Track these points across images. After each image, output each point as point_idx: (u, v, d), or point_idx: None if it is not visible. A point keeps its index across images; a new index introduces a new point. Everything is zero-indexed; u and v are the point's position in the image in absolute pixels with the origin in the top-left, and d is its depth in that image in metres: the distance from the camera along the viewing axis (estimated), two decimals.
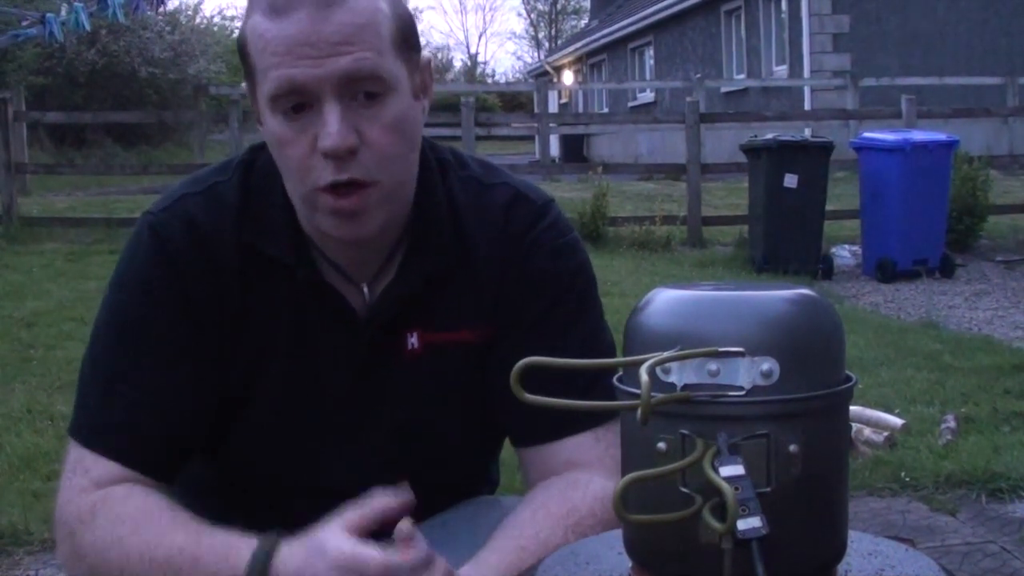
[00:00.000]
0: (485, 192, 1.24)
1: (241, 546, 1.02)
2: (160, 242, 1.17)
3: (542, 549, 1.05)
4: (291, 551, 0.99)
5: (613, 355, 1.21)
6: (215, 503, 1.22)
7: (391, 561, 0.94)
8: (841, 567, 0.81)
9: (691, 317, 0.76)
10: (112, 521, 1.09)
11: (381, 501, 0.99)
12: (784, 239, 7.84)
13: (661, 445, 0.75)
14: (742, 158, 8.49)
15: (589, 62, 27.43)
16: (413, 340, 1.20)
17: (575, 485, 1.15)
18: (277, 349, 1.19)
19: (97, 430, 1.15)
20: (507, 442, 1.30)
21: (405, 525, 0.96)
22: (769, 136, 8.21)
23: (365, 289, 1.20)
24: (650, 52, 23.47)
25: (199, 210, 1.18)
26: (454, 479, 1.31)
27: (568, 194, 9.88)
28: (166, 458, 1.17)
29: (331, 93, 1.05)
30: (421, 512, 1.03)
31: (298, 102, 1.07)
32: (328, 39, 1.04)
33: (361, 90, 1.07)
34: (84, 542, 1.10)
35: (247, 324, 1.18)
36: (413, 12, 1.17)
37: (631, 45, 24.20)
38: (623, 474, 0.77)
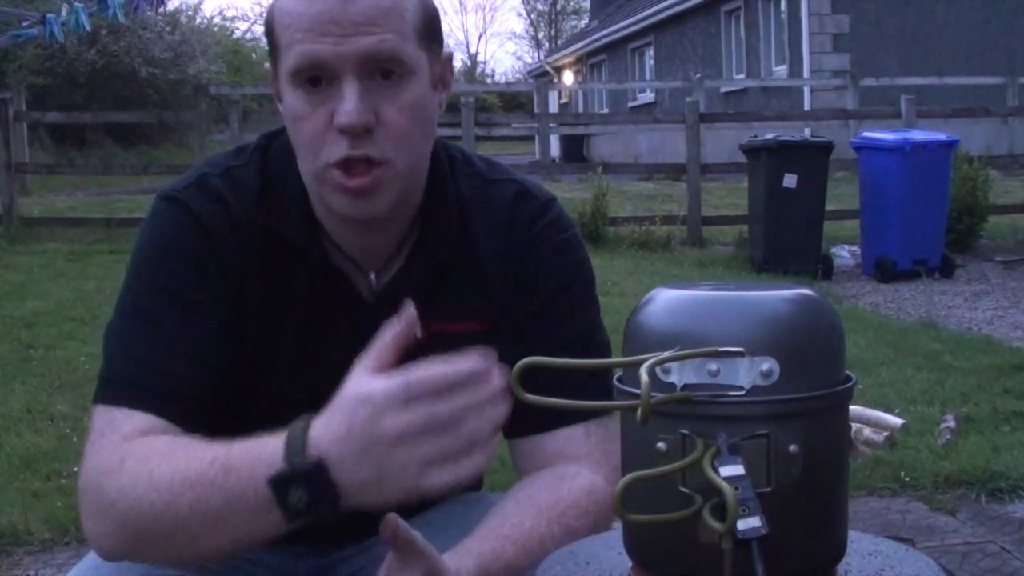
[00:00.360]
0: (490, 188, 1.27)
1: (270, 440, 0.97)
2: (193, 214, 1.18)
3: (525, 539, 1.07)
4: (325, 420, 0.93)
5: (609, 352, 1.23)
6: None
7: (423, 377, 0.90)
8: (841, 567, 0.81)
9: (691, 317, 0.76)
10: (141, 460, 1.04)
11: (388, 334, 0.93)
12: (784, 239, 7.83)
13: (661, 445, 0.75)
14: (742, 158, 8.49)
15: (589, 62, 27.43)
16: (418, 329, 1.21)
17: (562, 477, 1.16)
18: (289, 332, 1.20)
19: (127, 386, 1.13)
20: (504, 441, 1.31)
21: (392, 518, 0.95)
22: (769, 136, 8.20)
23: (372, 277, 1.22)
24: (650, 52, 23.48)
25: (223, 188, 1.20)
26: None
27: (568, 194, 9.87)
28: (196, 412, 1.14)
29: (351, 71, 1.08)
30: (410, 508, 1.03)
31: (317, 77, 1.09)
32: (353, 19, 1.07)
33: (381, 71, 1.09)
34: (111, 489, 1.04)
35: (262, 304, 1.19)
36: None
37: (631, 45, 24.21)
38: (623, 474, 0.77)
